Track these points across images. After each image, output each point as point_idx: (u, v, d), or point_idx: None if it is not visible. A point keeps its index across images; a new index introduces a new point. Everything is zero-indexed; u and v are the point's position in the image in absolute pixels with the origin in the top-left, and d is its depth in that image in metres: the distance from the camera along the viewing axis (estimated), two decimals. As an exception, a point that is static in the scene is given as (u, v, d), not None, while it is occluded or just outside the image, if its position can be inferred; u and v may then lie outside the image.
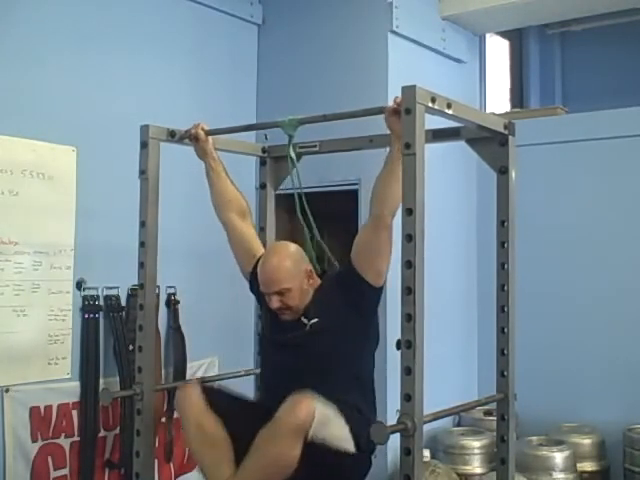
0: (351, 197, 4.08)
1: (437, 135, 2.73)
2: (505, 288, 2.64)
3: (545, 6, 4.45)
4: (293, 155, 2.77)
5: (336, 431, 2.35)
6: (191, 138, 2.85)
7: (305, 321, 2.54)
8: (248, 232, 2.85)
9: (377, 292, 2.56)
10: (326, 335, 2.52)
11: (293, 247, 2.66)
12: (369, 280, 2.49)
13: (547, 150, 4.55)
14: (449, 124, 2.57)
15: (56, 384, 3.38)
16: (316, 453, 2.29)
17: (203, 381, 3.84)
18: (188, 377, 3.85)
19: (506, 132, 2.60)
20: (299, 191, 2.78)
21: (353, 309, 2.53)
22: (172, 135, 2.87)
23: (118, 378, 3.53)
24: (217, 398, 2.58)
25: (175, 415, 3.86)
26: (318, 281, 2.64)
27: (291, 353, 2.55)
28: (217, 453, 2.49)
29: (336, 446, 2.34)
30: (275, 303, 2.54)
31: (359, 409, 2.49)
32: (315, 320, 2.53)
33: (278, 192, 3.30)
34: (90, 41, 3.57)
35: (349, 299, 2.53)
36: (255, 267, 2.68)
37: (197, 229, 3.91)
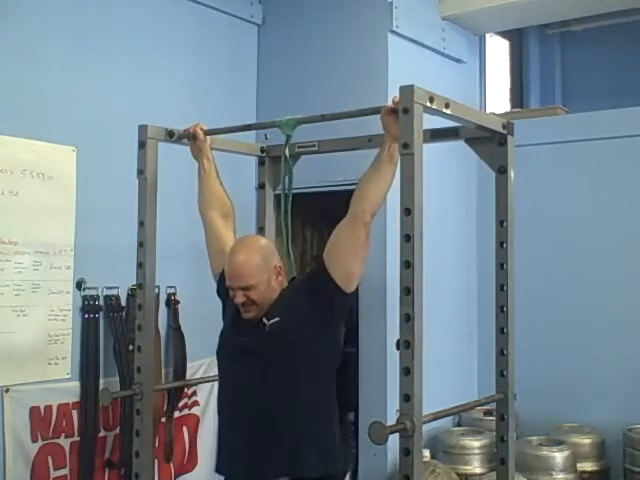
0: (351, 197, 4.07)
1: (435, 135, 2.73)
2: (504, 288, 2.64)
3: (545, 6, 4.45)
4: (287, 155, 2.75)
5: None
6: (189, 137, 2.85)
7: (265, 321, 2.43)
8: (226, 233, 2.77)
9: (345, 298, 2.42)
10: (284, 335, 2.39)
11: (264, 241, 2.60)
12: (338, 282, 2.37)
13: (547, 150, 4.55)
14: (450, 124, 2.57)
15: (56, 384, 3.38)
16: None
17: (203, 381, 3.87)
18: (188, 377, 3.85)
19: (505, 132, 2.60)
20: (286, 192, 2.74)
21: (316, 312, 2.40)
22: (170, 135, 2.87)
23: (118, 378, 3.53)
24: None
25: (175, 415, 3.88)
26: (286, 282, 2.54)
27: (248, 358, 2.44)
28: None
29: None
30: (240, 298, 2.42)
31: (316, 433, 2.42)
32: (275, 320, 2.41)
33: (277, 192, 3.30)
34: (90, 41, 3.57)
35: (314, 301, 2.40)
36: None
37: (197, 229, 3.88)
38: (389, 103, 2.34)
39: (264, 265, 2.45)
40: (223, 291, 2.64)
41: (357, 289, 2.47)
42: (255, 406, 2.40)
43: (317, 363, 2.43)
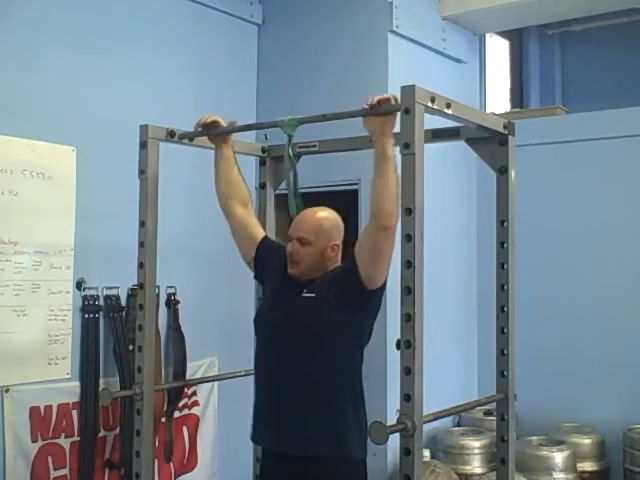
0: (351, 197, 4.08)
1: (436, 135, 2.73)
2: (505, 288, 2.64)
3: (545, 6, 4.46)
4: (292, 155, 2.75)
5: None
6: (207, 127, 2.77)
7: (304, 294, 2.55)
8: (249, 219, 2.82)
9: (370, 295, 2.48)
10: (315, 310, 2.50)
11: (339, 219, 2.67)
12: (364, 281, 2.43)
13: (547, 150, 4.56)
14: (449, 124, 2.57)
15: (56, 384, 3.38)
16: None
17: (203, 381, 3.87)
18: (188, 377, 3.85)
19: (506, 132, 2.60)
20: (295, 191, 2.76)
21: (347, 297, 2.48)
22: (171, 135, 2.86)
23: (118, 378, 3.53)
24: None
25: (175, 415, 3.88)
26: (333, 265, 2.61)
27: (281, 329, 2.55)
28: None
29: None
30: (291, 247, 2.57)
31: (348, 414, 2.48)
32: (312, 295, 2.53)
33: (278, 192, 3.30)
34: (90, 41, 3.57)
35: (346, 286, 2.48)
36: (257, 252, 2.72)
37: (197, 229, 3.92)
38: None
39: (327, 232, 2.58)
40: (259, 272, 2.76)
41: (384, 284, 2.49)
42: (291, 375, 2.48)
43: (344, 344, 2.51)
